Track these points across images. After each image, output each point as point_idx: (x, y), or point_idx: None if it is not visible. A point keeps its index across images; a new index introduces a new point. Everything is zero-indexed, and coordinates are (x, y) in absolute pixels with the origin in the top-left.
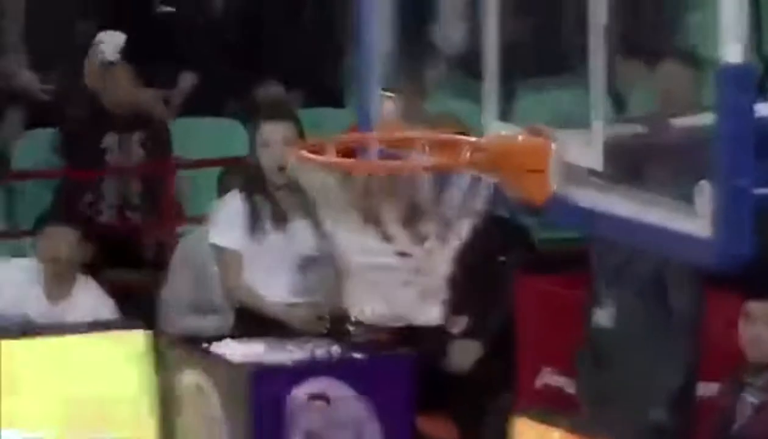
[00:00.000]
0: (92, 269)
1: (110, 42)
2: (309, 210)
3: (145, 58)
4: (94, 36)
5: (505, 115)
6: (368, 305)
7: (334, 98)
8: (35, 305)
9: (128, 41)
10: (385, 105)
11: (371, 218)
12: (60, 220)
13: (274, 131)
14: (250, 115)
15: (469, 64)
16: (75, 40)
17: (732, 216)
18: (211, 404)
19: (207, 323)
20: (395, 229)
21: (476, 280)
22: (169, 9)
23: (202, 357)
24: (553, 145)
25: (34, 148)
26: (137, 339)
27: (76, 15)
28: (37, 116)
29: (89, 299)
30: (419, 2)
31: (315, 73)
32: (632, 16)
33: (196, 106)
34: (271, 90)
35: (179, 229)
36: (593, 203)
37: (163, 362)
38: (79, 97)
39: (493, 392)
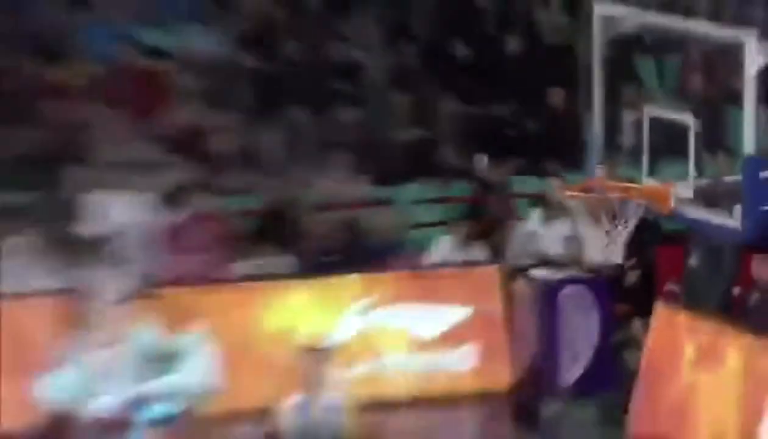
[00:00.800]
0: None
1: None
2: (569, 215)
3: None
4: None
5: (651, 175)
6: (592, 255)
7: (579, 166)
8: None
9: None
10: (599, 170)
11: (595, 219)
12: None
13: (555, 184)
14: (542, 174)
15: (636, 151)
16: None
17: (750, 220)
18: (530, 301)
19: (526, 261)
20: (605, 223)
21: (638, 243)
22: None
23: (525, 277)
24: (672, 188)
25: None
26: (494, 270)
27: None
28: None
29: (478, 250)
30: (611, 121)
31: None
32: (707, 130)
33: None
34: (551, 164)
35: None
36: (689, 213)
37: (506, 281)
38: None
39: (645, 293)
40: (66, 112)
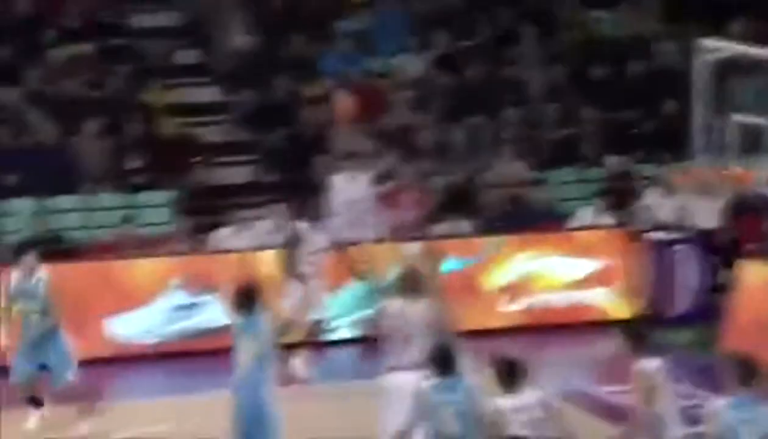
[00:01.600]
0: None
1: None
2: (678, 193)
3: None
4: None
5: (738, 163)
6: (694, 222)
7: (685, 157)
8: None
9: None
10: (700, 160)
11: (697, 195)
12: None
13: (668, 170)
14: (658, 162)
15: (727, 146)
16: None
17: None
18: (648, 255)
19: (645, 226)
20: (704, 198)
21: (728, 213)
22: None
23: (644, 238)
24: (753, 173)
25: None
26: (622, 233)
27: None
28: None
29: (610, 217)
30: (710, 124)
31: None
32: None
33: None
34: (665, 155)
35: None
36: (767, 192)
37: (630, 241)
38: None
39: (733, 251)
40: (314, 116)
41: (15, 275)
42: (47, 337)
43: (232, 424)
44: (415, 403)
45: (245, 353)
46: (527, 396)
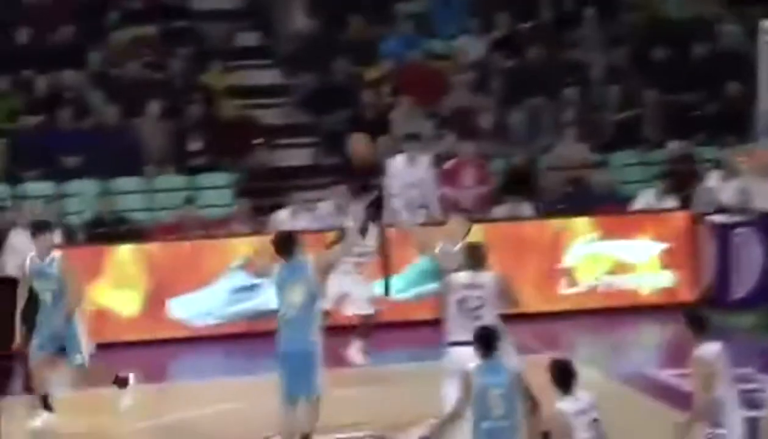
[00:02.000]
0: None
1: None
2: (740, 175)
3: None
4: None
5: None
6: (757, 204)
7: (748, 139)
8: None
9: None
10: (763, 141)
11: (760, 177)
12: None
13: (730, 152)
14: (719, 144)
15: None
16: None
17: None
18: (710, 238)
19: (707, 209)
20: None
21: None
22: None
23: (706, 221)
24: None
25: None
26: (684, 215)
27: None
28: None
29: (671, 200)
30: None
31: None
32: None
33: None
34: (727, 137)
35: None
36: None
37: (692, 224)
38: None
39: None
40: (374, 98)
41: (31, 255)
42: (63, 320)
43: (279, 366)
44: (462, 384)
45: (291, 297)
46: (584, 398)
